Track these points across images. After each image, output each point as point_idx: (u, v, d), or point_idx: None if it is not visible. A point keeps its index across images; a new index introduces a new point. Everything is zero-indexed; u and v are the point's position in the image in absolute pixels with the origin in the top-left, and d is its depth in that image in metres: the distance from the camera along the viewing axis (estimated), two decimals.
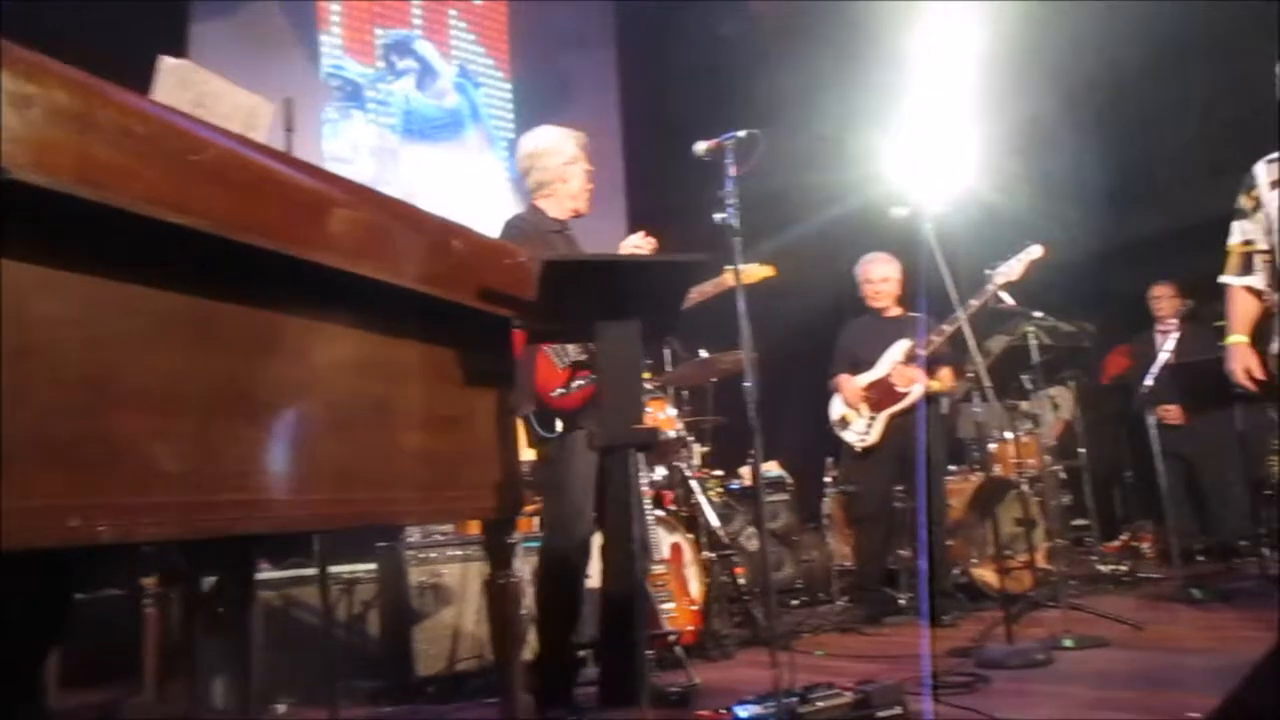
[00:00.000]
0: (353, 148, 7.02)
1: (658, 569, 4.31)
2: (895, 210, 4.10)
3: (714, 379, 5.26)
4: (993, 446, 5.92)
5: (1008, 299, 5.10)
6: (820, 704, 2.81)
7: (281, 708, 3.16)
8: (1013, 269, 4.67)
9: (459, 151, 7.52)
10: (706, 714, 2.86)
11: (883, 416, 5.14)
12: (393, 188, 7.08)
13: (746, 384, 2.85)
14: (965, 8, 6.67)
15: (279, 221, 1.61)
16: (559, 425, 3.16)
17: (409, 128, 7.30)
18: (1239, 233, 3.44)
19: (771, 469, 6.38)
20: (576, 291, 2.16)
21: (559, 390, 3.16)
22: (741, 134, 3.00)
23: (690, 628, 4.29)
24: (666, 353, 5.50)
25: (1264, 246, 3.36)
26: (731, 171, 2.93)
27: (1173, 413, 6.30)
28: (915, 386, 5.05)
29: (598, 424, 2.23)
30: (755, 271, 3.69)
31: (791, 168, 7.51)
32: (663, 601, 4.25)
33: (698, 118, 7.16)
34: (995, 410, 4.93)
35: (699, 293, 3.50)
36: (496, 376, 2.18)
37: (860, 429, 5.21)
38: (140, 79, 2.00)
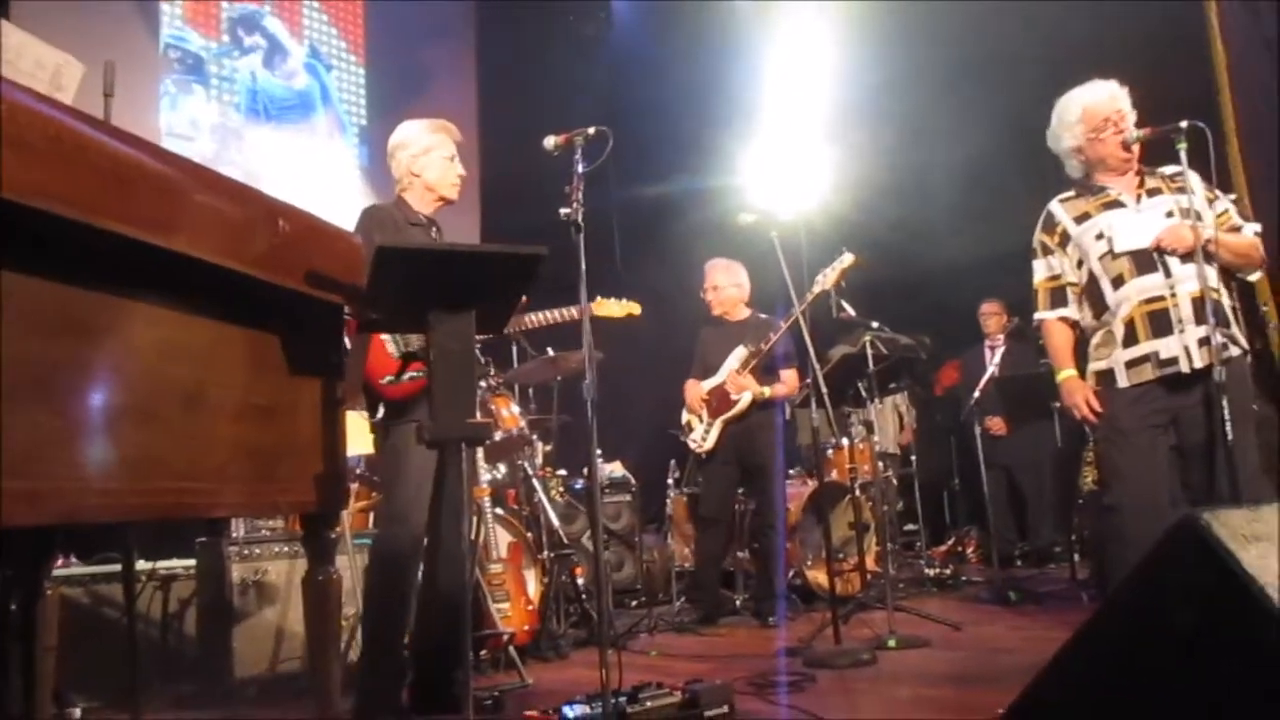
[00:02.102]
0: (192, 124, 6.69)
1: (495, 568, 4.26)
2: (743, 217, 4.17)
3: (560, 377, 5.23)
4: (829, 452, 6.10)
5: (849, 309, 5.26)
6: (649, 703, 2.82)
7: (77, 712, 2.96)
8: (828, 276, 4.84)
9: (307, 135, 7.26)
10: (535, 714, 2.81)
11: (718, 423, 5.28)
12: (234, 169, 6.79)
13: (585, 383, 2.82)
14: (819, 22, 6.86)
15: (81, 189, 1.49)
16: (380, 412, 3.08)
17: (254, 107, 7.00)
18: (1044, 269, 3.55)
19: (615, 469, 6.39)
20: (410, 280, 2.09)
21: (388, 378, 3.07)
22: (591, 131, 2.98)
23: (526, 627, 4.24)
24: (513, 349, 5.45)
25: (1074, 279, 3.49)
26: (579, 168, 2.91)
27: (997, 424, 6.64)
28: (744, 394, 5.21)
29: (428, 417, 2.16)
30: (626, 308, 3.76)
31: (648, 169, 7.58)
32: (498, 601, 4.19)
33: (555, 113, 7.14)
34: (829, 417, 5.08)
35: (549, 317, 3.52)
36: (324, 366, 2.09)
37: (699, 435, 5.36)
38: None
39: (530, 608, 4.34)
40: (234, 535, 3.98)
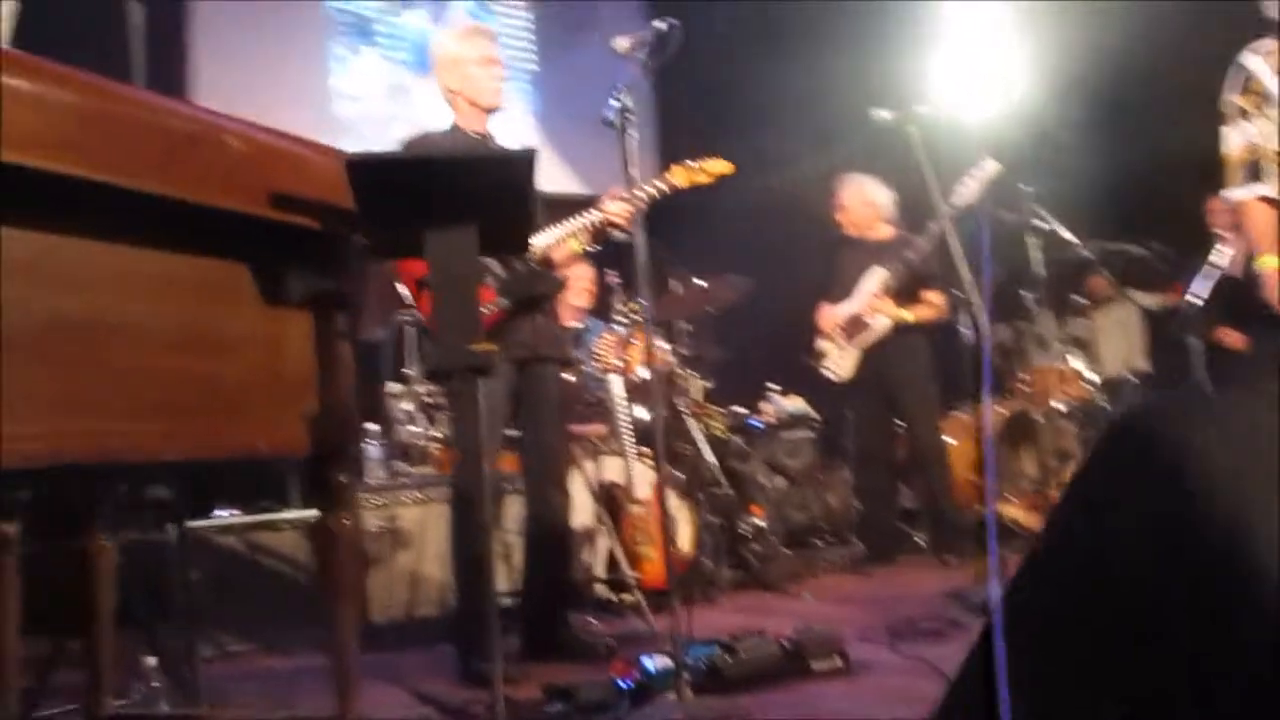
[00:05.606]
0: (363, 85, 6.84)
1: (636, 509, 4.10)
2: (876, 114, 3.70)
3: (711, 309, 4.96)
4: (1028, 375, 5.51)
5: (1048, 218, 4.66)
6: (744, 655, 2.58)
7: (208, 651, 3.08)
8: (969, 189, 4.11)
9: None
10: (619, 664, 2.63)
11: (853, 349, 4.84)
12: (407, 125, 6.88)
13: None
14: None
15: None
16: None
17: (421, 60, 7.05)
18: (1239, 136, 2.93)
19: (796, 404, 6.06)
20: (396, 196, 1.90)
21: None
22: (662, 26, 2.70)
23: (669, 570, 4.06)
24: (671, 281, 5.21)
25: (1276, 147, 2.86)
26: (642, 68, 2.63)
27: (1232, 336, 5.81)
28: (879, 317, 4.76)
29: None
30: (711, 168, 3.25)
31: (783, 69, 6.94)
32: (640, 544, 4.04)
33: (731, 38, 6.73)
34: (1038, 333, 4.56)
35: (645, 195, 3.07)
36: (319, 297, 1.95)
37: (833, 362, 4.96)
38: None
39: (676, 550, 4.15)
40: (366, 482, 4.03)
